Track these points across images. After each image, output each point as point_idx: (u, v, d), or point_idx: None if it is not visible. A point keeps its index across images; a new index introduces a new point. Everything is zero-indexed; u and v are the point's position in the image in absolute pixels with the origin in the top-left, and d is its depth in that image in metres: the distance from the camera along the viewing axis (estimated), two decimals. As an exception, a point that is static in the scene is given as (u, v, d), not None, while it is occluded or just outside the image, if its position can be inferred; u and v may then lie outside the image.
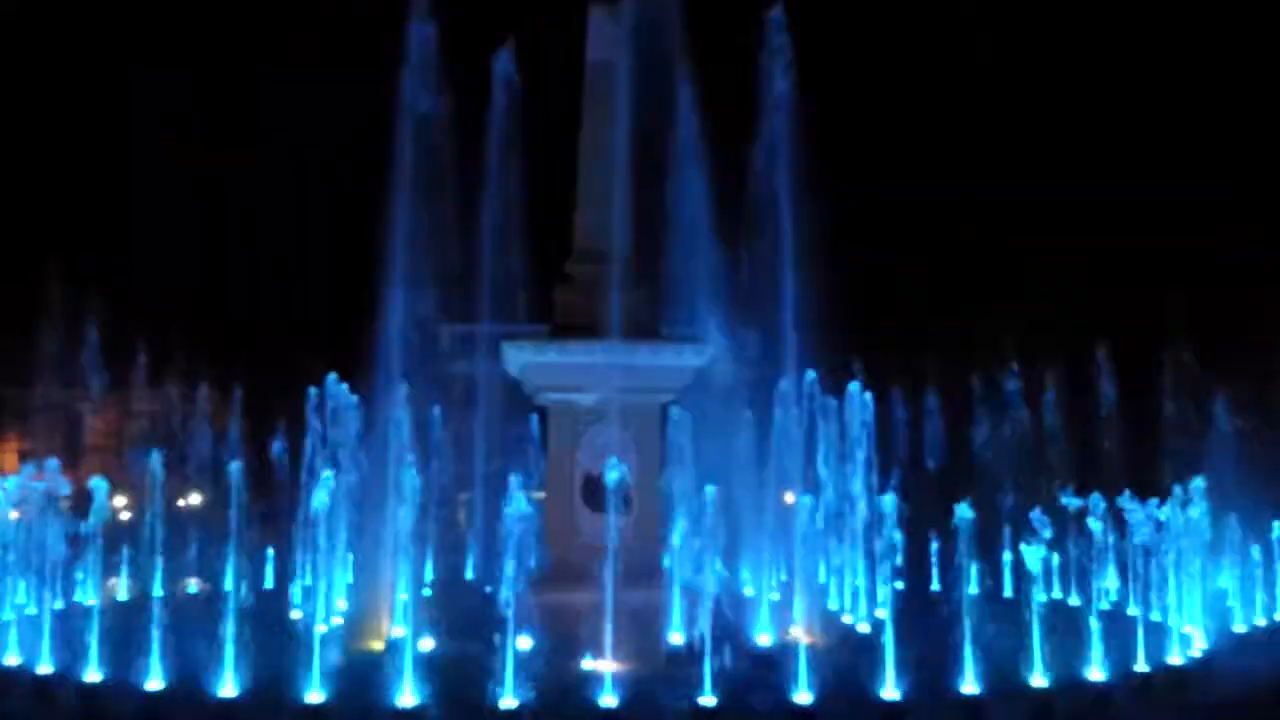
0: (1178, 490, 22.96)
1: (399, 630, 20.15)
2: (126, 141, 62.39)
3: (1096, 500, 21.99)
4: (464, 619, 22.01)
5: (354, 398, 22.89)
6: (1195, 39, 56.65)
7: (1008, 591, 28.19)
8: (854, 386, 23.95)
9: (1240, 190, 53.67)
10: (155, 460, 21.60)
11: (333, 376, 22.88)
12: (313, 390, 22.90)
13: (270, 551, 29.17)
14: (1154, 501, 22.05)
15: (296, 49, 57.91)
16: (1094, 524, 21.76)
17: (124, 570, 26.19)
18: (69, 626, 19.30)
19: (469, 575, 29.47)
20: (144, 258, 60.16)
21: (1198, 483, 23.11)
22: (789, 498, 23.88)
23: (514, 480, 18.45)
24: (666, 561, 22.73)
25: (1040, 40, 59.91)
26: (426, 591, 25.06)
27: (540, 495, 24.17)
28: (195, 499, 53.15)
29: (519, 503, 18.14)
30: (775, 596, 23.24)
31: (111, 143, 62.61)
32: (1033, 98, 57.51)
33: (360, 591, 23.32)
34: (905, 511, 19.17)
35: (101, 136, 62.57)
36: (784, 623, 21.45)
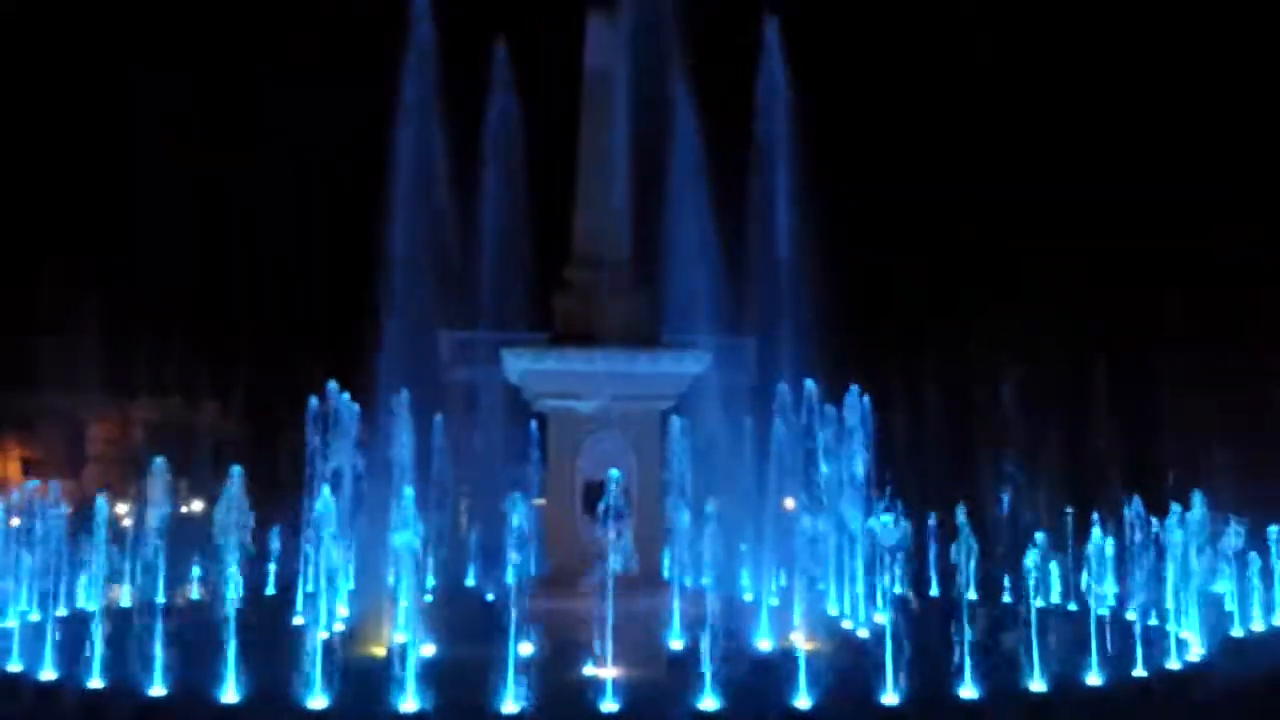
0: (1176, 508, 23.23)
1: (400, 636, 20.24)
2: (126, 142, 62.46)
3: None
4: (465, 625, 22.11)
5: (355, 406, 22.96)
6: (1196, 39, 56.76)
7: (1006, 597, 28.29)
8: (853, 390, 24.00)
9: (1241, 190, 53.68)
10: (158, 468, 21.68)
11: (333, 384, 22.94)
12: (313, 399, 22.95)
13: (272, 558, 29.26)
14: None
15: (296, 49, 57.98)
16: (1095, 537, 21.89)
17: (126, 577, 26.27)
18: (71, 633, 19.39)
19: (470, 582, 29.53)
20: (144, 260, 60.21)
21: (1197, 502, 23.30)
22: (789, 503, 23.97)
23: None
24: (667, 567, 22.85)
25: (1041, 40, 60.00)
26: (428, 598, 25.15)
27: (541, 502, 24.28)
28: (198, 505, 53.24)
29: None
30: (775, 602, 23.31)
31: (111, 143, 62.71)
32: (1032, 97, 57.57)
33: (362, 598, 23.41)
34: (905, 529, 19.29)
35: (101, 137, 62.67)
36: (784, 628, 21.53)
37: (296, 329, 52.48)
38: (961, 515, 20.14)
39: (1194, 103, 57.16)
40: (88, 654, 17.54)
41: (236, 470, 19.45)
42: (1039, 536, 20.48)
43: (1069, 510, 28.60)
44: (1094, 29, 59.85)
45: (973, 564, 22.30)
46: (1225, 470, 51.69)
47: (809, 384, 23.46)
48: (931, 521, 31.02)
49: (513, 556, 17.67)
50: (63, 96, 62.80)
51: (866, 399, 23.71)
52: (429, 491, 25.53)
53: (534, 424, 28.96)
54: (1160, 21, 56.21)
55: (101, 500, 20.66)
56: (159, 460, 21.61)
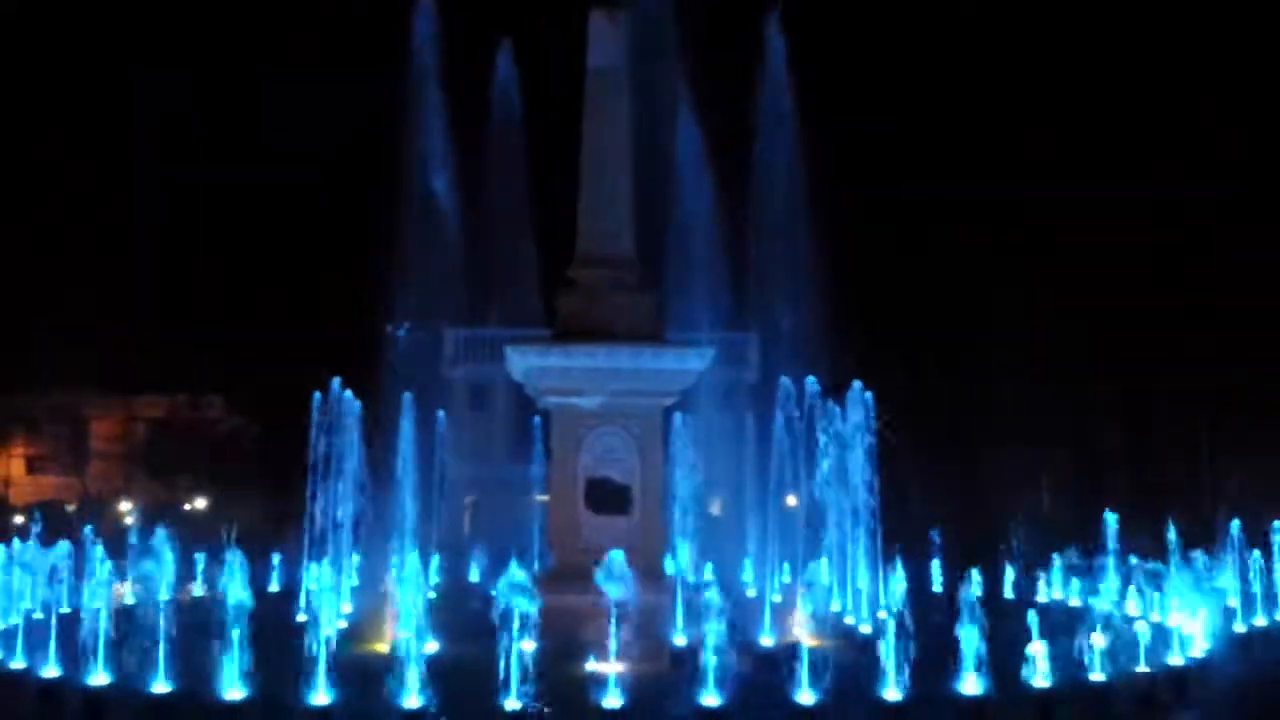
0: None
1: (403, 633, 20.26)
2: (129, 141, 62.49)
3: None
4: (468, 622, 22.15)
5: (358, 404, 22.98)
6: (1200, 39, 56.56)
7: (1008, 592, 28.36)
8: (855, 385, 23.95)
9: (1246, 190, 53.41)
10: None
11: (337, 381, 22.94)
12: (317, 394, 22.97)
13: (276, 555, 29.30)
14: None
15: (299, 49, 57.97)
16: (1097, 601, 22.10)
17: (130, 575, 26.31)
18: (75, 630, 19.40)
19: (473, 578, 29.58)
20: (147, 256, 60.22)
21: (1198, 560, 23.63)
22: (791, 500, 24.00)
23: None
24: (670, 563, 22.89)
25: (1045, 37, 59.84)
26: (430, 595, 25.19)
27: (544, 498, 24.33)
28: (201, 504, 53.27)
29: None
30: (778, 598, 23.33)
31: (114, 142, 62.75)
32: (1032, 98, 57.38)
33: (364, 595, 23.48)
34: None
35: (104, 136, 62.70)
36: (786, 624, 21.54)
37: (302, 324, 52.46)
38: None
39: (1216, 101, 56.84)
40: (91, 652, 17.54)
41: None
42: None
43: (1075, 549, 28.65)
44: (1095, 27, 59.74)
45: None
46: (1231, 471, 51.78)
47: (810, 381, 23.40)
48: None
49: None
50: (63, 96, 62.83)
51: (869, 395, 23.66)
52: (432, 488, 25.58)
53: (538, 420, 29.05)
54: (1165, 22, 56.13)
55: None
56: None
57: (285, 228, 56.67)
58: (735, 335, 46.04)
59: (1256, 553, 25.64)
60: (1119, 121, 56.63)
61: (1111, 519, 26.82)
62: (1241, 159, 53.86)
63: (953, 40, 58.17)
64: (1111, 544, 26.87)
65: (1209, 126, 55.46)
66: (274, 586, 28.65)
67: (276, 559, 29.29)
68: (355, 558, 24.47)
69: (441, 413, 28.01)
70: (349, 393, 22.89)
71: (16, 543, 23.54)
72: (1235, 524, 25.98)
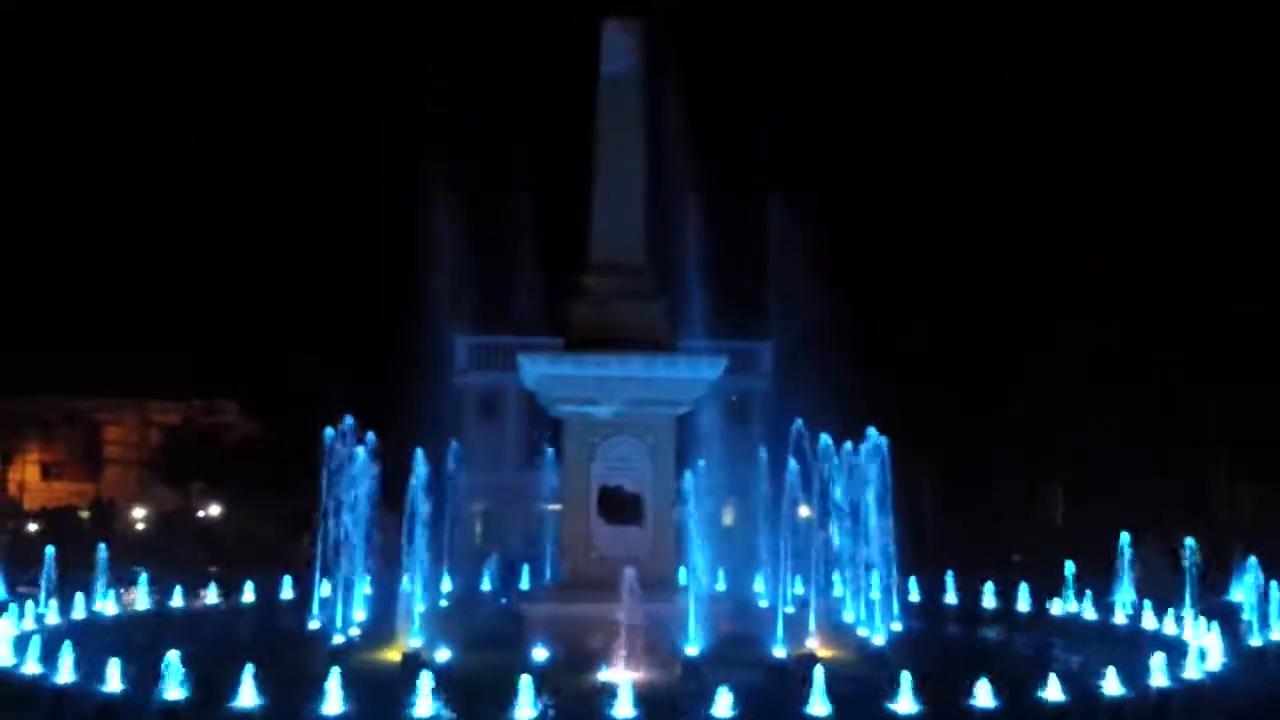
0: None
1: (415, 641, 20.26)
2: (145, 146, 62.70)
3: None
4: (480, 630, 22.11)
5: (371, 435, 22.73)
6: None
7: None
8: (870, 432, 23.67)
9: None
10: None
11: (350, 419, 22.64)
12: (329, 430, 22.77)
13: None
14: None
15: (329, 59, 58.16)
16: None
17: (143, 581, 26.36)
18: (89, 636, 19.43)
19: (486, 586, 29.55)
20: (161, 262, 60.41)
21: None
22: (804, 511, 23.88)
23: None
24: (682, 573, 22.81)
25: (1045, 50, 59.75)
26: (443, 603, 25.17)
27: (556, 507, 24.28)
28: (215, 510, 53.32)
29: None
30: (790, 609, 23.22)
31: (131, 147, 62.96)
32: (1048, 101, 57.23)
33: (378, 603, 23.48)
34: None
35: (121, 142, 62.94)
36: (799, 634, 21.45)
37: (316, 329, 52.50)
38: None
39: (1216, 102, 56.61)
40: (105, 657, 17.57)
41: None
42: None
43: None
44: (1097, 48, 59.65)
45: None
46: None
47: (824, 439, 23.06)
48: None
49: None
50: (63, 96, 62.97)
51: (884, 440, 23.32)
52: (445, 500, 25.49)
53: (549, 429, 28.97)
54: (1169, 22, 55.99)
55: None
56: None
57: (302, 232, 56.78)
58: (749, 343, 45.98)
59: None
60: (1121, 129, 56.41)
61: (1125, 537, 26.72)
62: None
63: (960, 49, 58.13)
64: (1125, 557, 26.76)
65: (1211, 127, 55.20)
66: (287, 594, 28.64)
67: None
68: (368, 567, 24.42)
69: (454, 443, 27.91)
70: (363, 445, 22.63)
71: None
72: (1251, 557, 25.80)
